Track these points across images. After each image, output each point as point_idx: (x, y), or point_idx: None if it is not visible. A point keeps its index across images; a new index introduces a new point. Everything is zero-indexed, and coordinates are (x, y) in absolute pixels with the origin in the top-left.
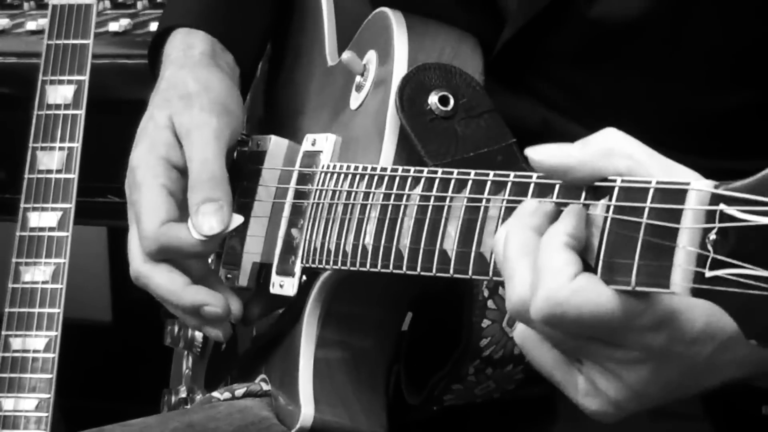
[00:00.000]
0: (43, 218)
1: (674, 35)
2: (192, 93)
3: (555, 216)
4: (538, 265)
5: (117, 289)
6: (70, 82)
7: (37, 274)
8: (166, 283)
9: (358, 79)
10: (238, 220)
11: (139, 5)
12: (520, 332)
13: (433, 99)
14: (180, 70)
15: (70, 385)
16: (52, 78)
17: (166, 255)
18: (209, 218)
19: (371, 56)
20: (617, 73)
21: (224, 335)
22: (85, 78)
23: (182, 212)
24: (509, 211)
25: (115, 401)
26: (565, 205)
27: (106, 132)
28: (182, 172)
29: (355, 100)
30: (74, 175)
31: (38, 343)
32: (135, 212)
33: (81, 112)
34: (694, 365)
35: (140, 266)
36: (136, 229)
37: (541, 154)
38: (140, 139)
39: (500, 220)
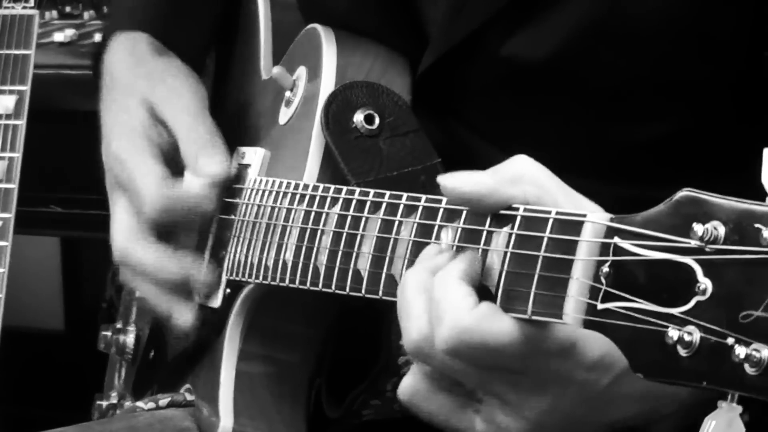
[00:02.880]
0: None
1: (579, 77)
2: (155, 71)
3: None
4: (434, 297)
5: (70, 299)
6: (11, 92)
7: None
8: (153, 254)
9: (287, 94)
10: (234, 165)
11: (86, 16)
12: (409, 386)
13: (358, 117)
14: (133, 66)
15: (18, 393)
16: None
17: (169, 215)
18: (211, 159)
19: (301, 72)
20: (528, 107)
21: (192, 322)
22: (27, 88)
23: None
24: (419, 234)
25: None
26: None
27: (50, 142)
28: (164, 151)
29: (284, 115)
30: (14, 185)
31: None
32: (128, 183)
33: (22, 122)
34: (592, 395)
35: (125, 242)
36: (124, 211)
37: (453, 181)
38: (113, 131)
39: (410, 244)
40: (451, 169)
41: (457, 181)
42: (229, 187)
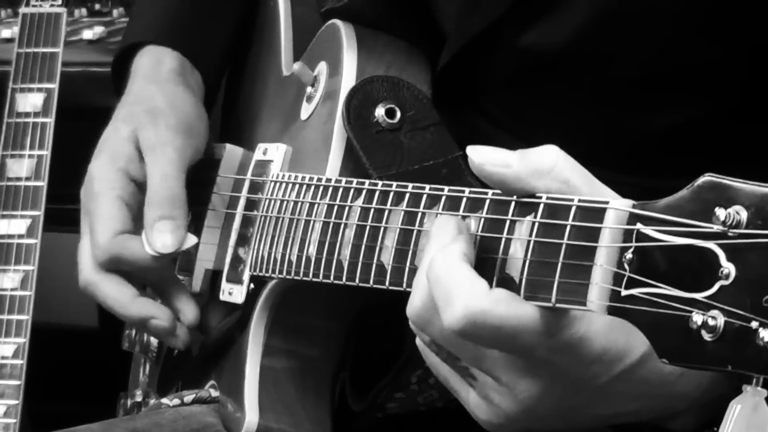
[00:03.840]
0: (12, 225)
1: (599, 63)
2: (159, 109)
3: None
4: (439, 275)
5: None
6: (39, 90)
7: (6, 281)
8: (114, 294)
9: (308, 90)
10: (191, 240)
11: (115, 13)
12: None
13: (379, 111)
14: (148, 85)
15: (48, 390)
16: (22, 86)
17: (117, 266)
18: (164, 235)
19: (322, 68)
20: (548, 98)
21: (183, 342)
22: (55, 86)
23: (137, 226)
24: None
25: (88, 405)
26: (491, 240)
27: (78, 139)
28: (140, 186)
29: (306, 110)
30: (44, 183)
31: (7, 349)
32: (89, 221)
33: (50, 120)
34: (588, 387)
35: (89, 275)
36: (88, 239)
37: (481, 156)
38: (101, 150)
39: None
40: None
41: (483, 157)
42: (252, 183)
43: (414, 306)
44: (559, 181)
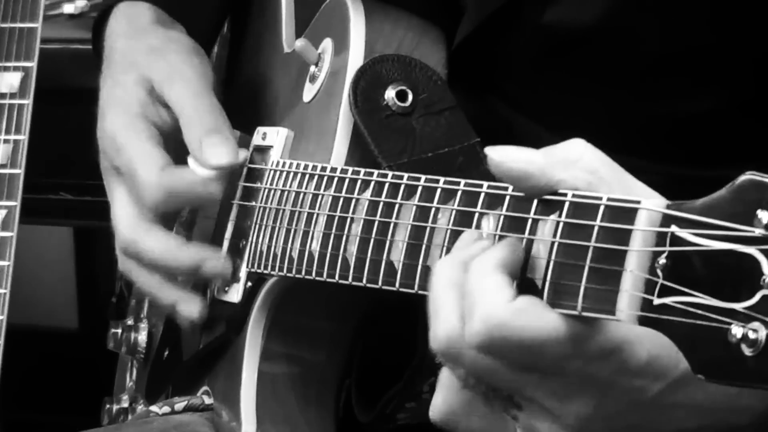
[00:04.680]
0: None
1: (627, 43)
2: (158, 46)
3: None
4: (467, 289)
5: (84, 294)
6: (16, 68)
7: None
8: (162, 243)
9: (312, 69)
10: (243, 153)
11: None
12: (440, 404)
13: (389, 94)
14: (131, 39)
15: (25, 397)
16: None
17: (172, 202)
18: (217, 148)
19: (327, 45)
20: (572, 79)
21: (201, 313)
22: (33, 64)
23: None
24: (458, 222)
25: (71, 414)
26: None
27: (59, 123)
28: (165, 133)
29: (309, 92)
30: (20, 171)
31: None
32: (126, 170)
33: (28, 102)
34: (641, 403)
35: (131, 232)
36: (125, 195)
37: (502, 155)
38: (108, 106)
39: (448, 233)
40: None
41: (505, 155)
42: (249, 171)
43: (438, 336)
44: (587, 171)
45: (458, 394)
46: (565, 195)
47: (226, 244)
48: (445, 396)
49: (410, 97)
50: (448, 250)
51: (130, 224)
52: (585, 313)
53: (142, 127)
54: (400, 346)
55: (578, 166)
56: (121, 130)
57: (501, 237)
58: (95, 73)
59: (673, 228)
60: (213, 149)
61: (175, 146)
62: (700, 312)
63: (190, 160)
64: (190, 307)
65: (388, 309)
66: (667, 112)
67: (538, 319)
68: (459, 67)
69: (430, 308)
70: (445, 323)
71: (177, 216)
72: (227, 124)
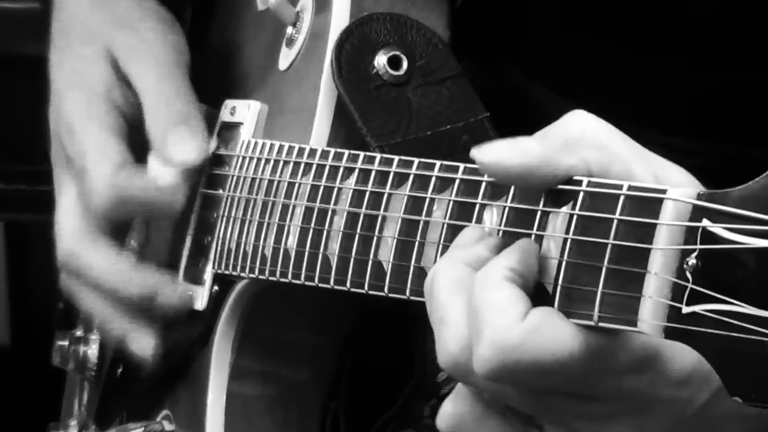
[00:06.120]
0: None
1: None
2: (123, 12)
3: (499, 251)
4: (474, 304)
5: (17, 303)
6: None
7: None
8: (108, 262)
9: (288, 30)
10: (214, 144)
11: None
12: (450, 413)
13: (380, 60)
14: (93, 4)
15: None
16: None
17: (123, 210)
18: (182, 143)
19: (306, 2)
20: (599, 40)
21: (156, 349)
22: None
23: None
24: (456, 215)
25: None
26: (517, 236)
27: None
28: (129, 119)
29: (285, 58)
30: None
31: None
32: (77, 164)
33: None
34: (686, 417)
35: (73, 242)
36: (72, 196)
37: (492, 155)
38: (66, 87)
39: (444, 228)
40: (503, 125)
41: (496, 154)
42: (212, 158)
43: (447, 351)
44: (596, 147)
45: (471, 405)
46: (579, 183)
47: (188, 240)
48: (456, 405)
49: (405, 63)
50: (445, 249)
51: (73, 232)
52: (602, 324)
53: (104, 112)
54: (395, 362)
55: (584, 144)
56: (79, 113)
57: (505, 233)
58: (29, 38)
59: (705, 222)
60: (179, 143)
61: (138, 138)
62: (736, 323)
63: (151, 157)
64: (141, 344)
65: (380, 319)
66: (704, 84)
67: (554, 336)
68: (465, 26)
69: (433, 317)
70: (454, 333)
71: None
72: (196, 114)
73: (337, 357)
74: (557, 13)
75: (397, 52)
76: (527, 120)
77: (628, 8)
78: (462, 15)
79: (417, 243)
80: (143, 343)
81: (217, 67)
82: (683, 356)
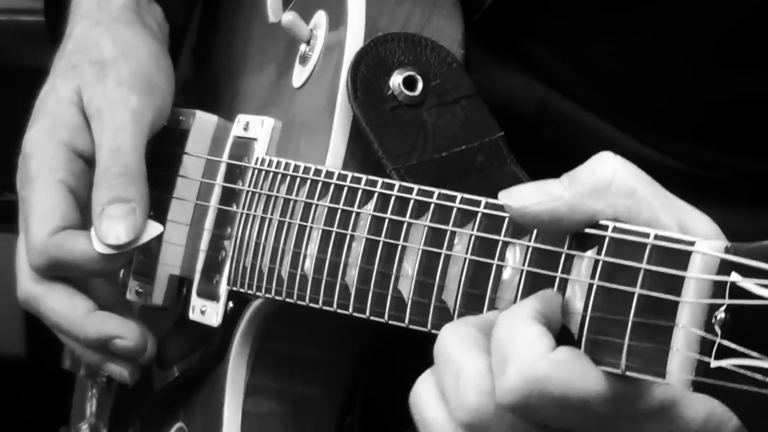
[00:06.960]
0: None
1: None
2: (107, 60)
3: None
4: (498, 339)
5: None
6: None
7: None
8: (64, 308)
9: (302, 48)
10: (155, 229)
11: None
12: None
13: (395, 80)
14: (94, 28)
15: None
16: None
17: (58, 272)
18: (116, 224)
19: (320, 19)
20: (628, 34)
21: (133, 376)
22: None
23: (86, 218)
24: (477, 251)
25: None
26: (540, 277)
27: (4, 109)
28: (90, 163)
29: (299, 75)
30: None
31: None
32: (24, 215)
33: None
34: None
35: (30, 286)
36: (24, 238)
37: (520, 199)
38: (38, 117)
39: (466, 265)
40: (519, 142)
41: (523, 199)
42: (229, 167)
43: (467, 404)
44: (625, 194)
45: None
46: (605, 228)
47: (202, 255)
48: None
49: (420, 84)
50: (466, 289)
51: (30, 276)
52: (629, 373)
53: (60, 163)
54: (410, 376)
55: (612, 190)
56: (38, 158)
57: (528, 273)
58: (46, 50)
59: (734, 276)
60: (111, 223)
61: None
62: (766, 379)
63: (91, 228)
64: (115, 373)
65: (396, 334)
66: (742, 91)
67: (582, 372)
68: (483, 37)
69: (447, 377)
70: (474, 383)
71: None
72: (140, 192)
73: (352, 372)
74: (572, 15)
75: (412, 73)
76: (548, 134)
77: (640, 5)
78: (480, 25)
79: (437, 279)
80: (117, 373)
81: (227, 78)
82: (698, 407)
